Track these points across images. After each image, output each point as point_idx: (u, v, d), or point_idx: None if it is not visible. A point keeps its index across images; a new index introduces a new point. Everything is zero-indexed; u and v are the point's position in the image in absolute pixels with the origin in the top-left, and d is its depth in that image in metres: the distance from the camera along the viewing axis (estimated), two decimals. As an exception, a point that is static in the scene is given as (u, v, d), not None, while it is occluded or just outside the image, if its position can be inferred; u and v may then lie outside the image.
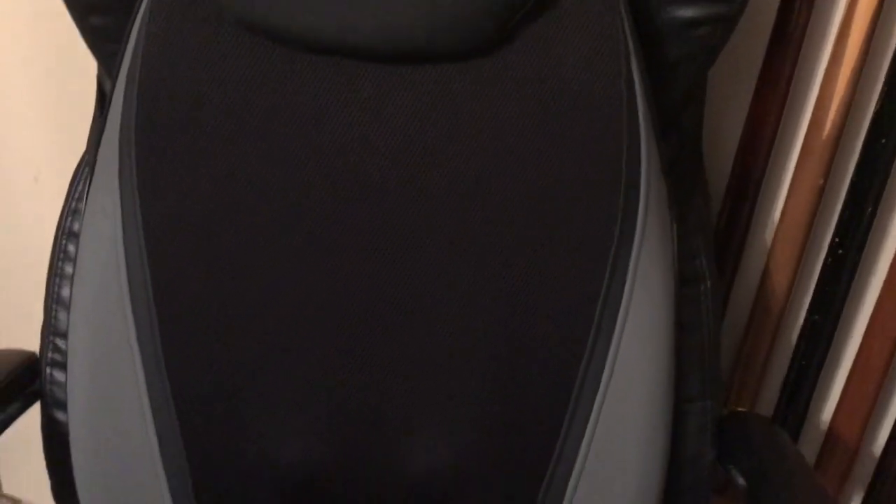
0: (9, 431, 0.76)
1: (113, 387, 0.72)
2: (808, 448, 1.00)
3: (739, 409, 0.96)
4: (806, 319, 0.93)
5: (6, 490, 1.54)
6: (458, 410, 0.73)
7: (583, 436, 0.72)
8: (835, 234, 0.88)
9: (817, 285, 0.91)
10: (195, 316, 0.71)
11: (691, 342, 0.76)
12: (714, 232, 0.90)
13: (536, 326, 0.70)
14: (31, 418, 0.81)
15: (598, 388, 0.70)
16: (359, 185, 0.68)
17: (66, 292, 0.77)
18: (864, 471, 1.00)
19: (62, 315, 0.77)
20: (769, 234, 0.92)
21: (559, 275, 0.69)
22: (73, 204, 0.78)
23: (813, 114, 0.84)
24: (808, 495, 0.72)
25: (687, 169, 0.76)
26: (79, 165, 0.79)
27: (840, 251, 0.88)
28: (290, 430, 0.74)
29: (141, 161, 0.68)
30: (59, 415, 0.78)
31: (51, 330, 0.78)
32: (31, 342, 0.82)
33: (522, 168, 0.67)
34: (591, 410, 0.71)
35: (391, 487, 0.75)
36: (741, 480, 0.77)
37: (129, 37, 0.68)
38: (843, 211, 0.87)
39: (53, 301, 0.78)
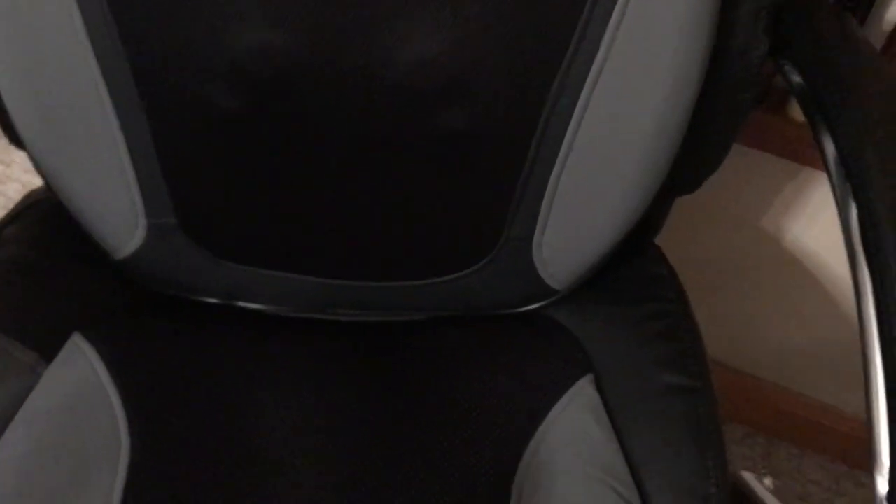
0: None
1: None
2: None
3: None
4: None
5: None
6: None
7: (608, 19, 0.58)
8: None
9: None
10: None
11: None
12: None
13: None
14: None
15: None
16: None
17: None
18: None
19: None
20: None
21: None
22: None
23: None
24: (882, 91, 0.59)
25: None
26: None
27: None
28: (247, 13, 0.59)
29: None
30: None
31: None
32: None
33: None
34: None
35: (376, 81, 0.61)
36: (797, 77, 0.64)
37: None
38: None
39: None
